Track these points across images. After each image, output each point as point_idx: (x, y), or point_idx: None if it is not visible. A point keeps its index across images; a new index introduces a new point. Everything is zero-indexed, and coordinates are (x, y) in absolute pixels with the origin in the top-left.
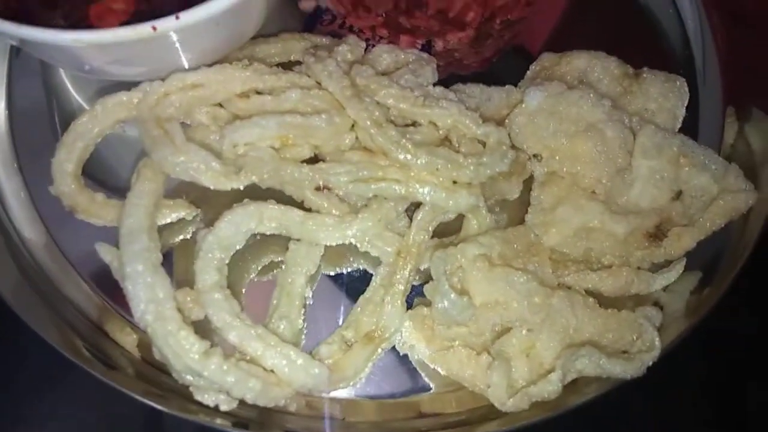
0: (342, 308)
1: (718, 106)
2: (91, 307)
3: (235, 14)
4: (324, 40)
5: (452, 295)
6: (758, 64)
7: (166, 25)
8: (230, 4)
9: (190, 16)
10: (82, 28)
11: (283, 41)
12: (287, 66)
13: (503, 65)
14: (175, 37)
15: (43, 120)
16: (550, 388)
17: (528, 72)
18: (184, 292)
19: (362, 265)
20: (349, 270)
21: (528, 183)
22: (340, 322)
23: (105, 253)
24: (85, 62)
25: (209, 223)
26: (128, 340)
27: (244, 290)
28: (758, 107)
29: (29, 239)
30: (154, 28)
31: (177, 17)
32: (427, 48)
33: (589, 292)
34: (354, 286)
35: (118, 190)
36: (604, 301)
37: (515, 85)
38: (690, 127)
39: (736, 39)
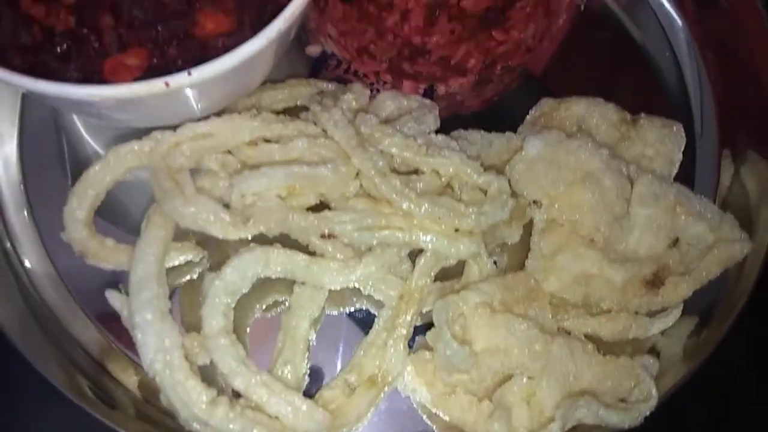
0: (342, 348)
1: (714, 149)
2: (96, 346)
3: (246, 68)
4: (330, 85)
5: (454, 345)
6: (753, 108)
7: (179, 81)
8: (241, 60)
9: (201, 73)
10: (95, 81)
11: (290, 87)
12: (294, 110)
13: (503, 102)
14: (186, 91)
15: (54, 162)
16: None
17: (527, 117)
18: (191, 337)
19: (365, 306)
20: (352, 310)
21: (528, 226)
22: (340, 362)
23: (115, 300)
24: (93, 109)
25: (216, 264)
26: (131, 381)
27: (248, 329)
28: (754, 150)
29: (37, 275)
30: (167, 84)
31: (189, 73)
32: (429, 92)
33: (588, 337)
34: (357, 326)
35: (128, 229)
36: (603, 346)
37: (515, 123)
38: (686, 171)
39: (731, 83)
